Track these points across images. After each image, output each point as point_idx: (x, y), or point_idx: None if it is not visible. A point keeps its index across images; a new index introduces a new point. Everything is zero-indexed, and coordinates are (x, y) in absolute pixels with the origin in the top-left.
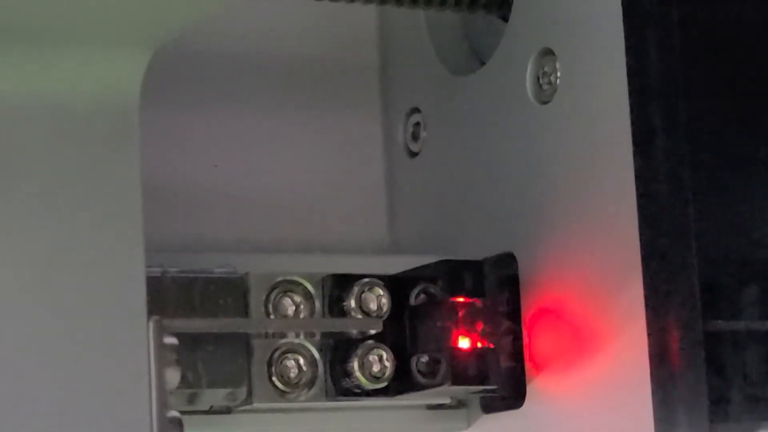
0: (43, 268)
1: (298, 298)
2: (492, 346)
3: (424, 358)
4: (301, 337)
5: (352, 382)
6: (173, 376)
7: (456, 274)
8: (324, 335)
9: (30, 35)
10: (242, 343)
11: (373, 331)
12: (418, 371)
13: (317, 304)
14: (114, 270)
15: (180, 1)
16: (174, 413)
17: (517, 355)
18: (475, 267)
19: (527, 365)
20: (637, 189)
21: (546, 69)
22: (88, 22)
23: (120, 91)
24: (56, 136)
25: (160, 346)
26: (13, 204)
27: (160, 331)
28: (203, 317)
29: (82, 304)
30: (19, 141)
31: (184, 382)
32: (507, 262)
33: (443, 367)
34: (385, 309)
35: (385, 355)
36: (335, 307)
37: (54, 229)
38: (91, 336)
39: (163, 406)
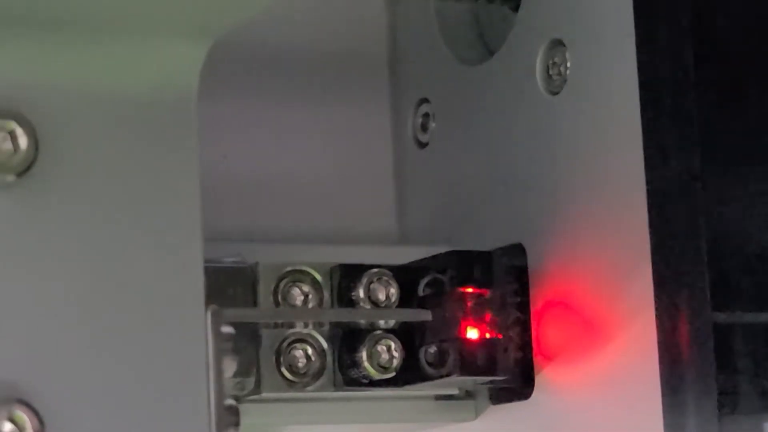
0: (103, 258)
1: (306, 288)
2: (501, 336)
3: (433, 349)
4: (310, 326)
5: (360, 372)
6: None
7: (465, 265)
8: (333, 325)
9: (93, 26)
10: (251, 333)
11: (381, 324)
12: (427, 362)
13: (326, 294)
14: (172, 259)
15: None
16: (231, 401)
17: (526, 345)
18: (484, 258)
19: (536, 356)
20: (647, 180)
21: (556, 60)
22: (150, 13)
23: (179, 82)
24: (117, 127)
25: (218, 335)
26: (74, 194)
27: (218, 320)
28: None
29: (142, 293)
30: (80, 131)
31: None
32: (516, 252)
33: (452, 358)
34: (393, 299)
35: (393, 346)
36: (344, 297)
37: (114, 218)
38: (150, 325)
39: (221, 394)
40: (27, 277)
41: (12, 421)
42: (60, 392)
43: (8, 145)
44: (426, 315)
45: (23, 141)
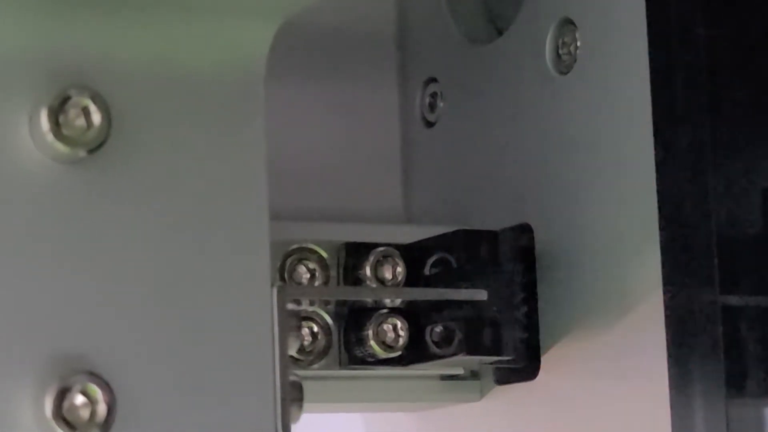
0: (171, 234)
1: (313, 266)
2: (507, 316)
3: (439, 328)
4: (316, 304)
5: (366, 351)
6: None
7: (472, 244)
8: (339, 303)
9: (168, 4)
10: None
11: (387, 302)
12: (433, 341)
13: (332, 272)
14: (240, 237)
15: None
16: (295, 377)
17: (532, 326)
18: (491, 237)
19: (542, 337)
20: (657, 160)
21: (565, 39)
22: None
23: (249, 61)
24: (188, 104)
25: (283, 312)
26: (145, 171)
27: (284, 297)
28: None
29: (209, 269)
30: (152, 109)
31: None
32: (523, 232)
33: (457, 337)
34: (400, 278)
35: (399, 324)
36: (350, 276)
37: (183, 195)
38: (217, 301)
39: (286, 370)
40: (96, 253)
41: (84, 393)
42: (130, 365)
43: (81, 121)
44: (481, 295)
45: (96, 117)
